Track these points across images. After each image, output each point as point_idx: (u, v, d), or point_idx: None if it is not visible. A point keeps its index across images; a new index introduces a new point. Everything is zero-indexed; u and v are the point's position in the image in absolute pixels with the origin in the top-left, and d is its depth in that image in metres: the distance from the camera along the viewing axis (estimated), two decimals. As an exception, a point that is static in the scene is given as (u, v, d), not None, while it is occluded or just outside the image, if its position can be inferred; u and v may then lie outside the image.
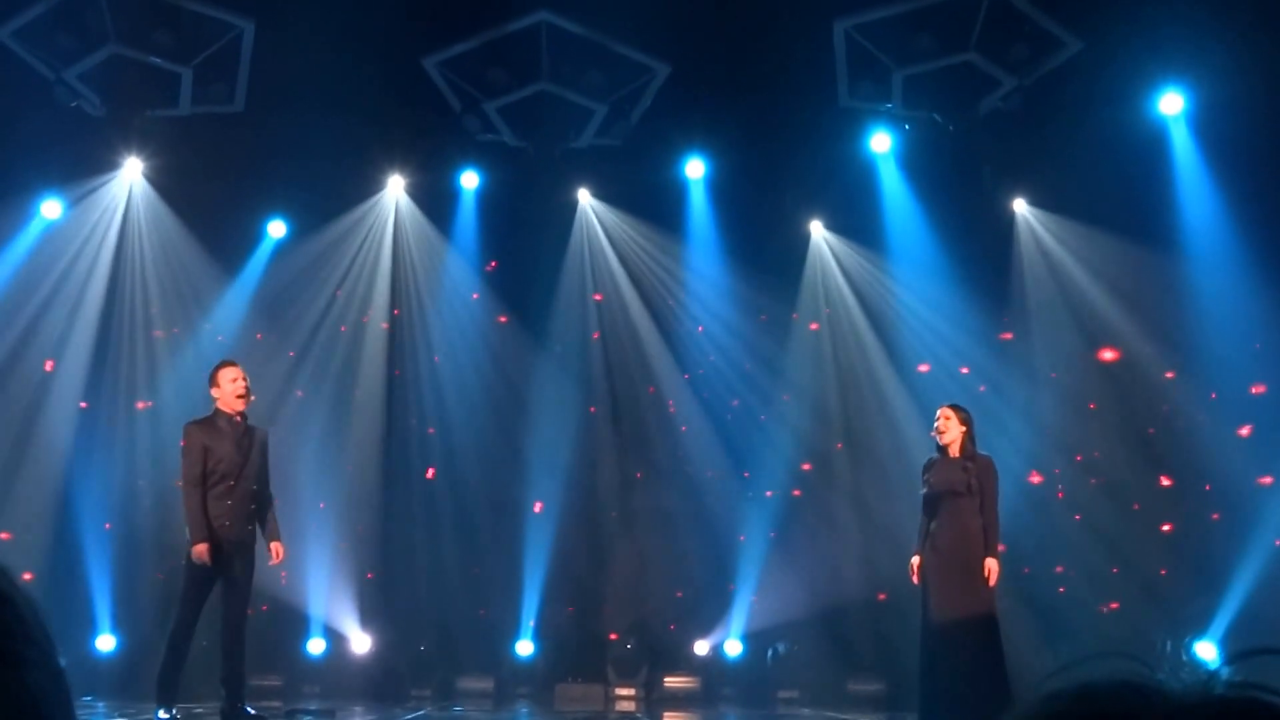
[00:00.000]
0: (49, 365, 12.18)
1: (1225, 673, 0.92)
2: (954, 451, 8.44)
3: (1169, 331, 11.93)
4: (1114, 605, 11.62)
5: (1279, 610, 10.39)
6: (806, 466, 12.68)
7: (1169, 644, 10.22)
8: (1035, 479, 12.03)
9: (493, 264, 12.88)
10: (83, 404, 12.20)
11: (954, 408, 8.59)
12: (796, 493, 12.60)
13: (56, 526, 11.81)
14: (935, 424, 8.56)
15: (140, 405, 12.29)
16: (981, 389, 11.89)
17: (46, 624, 0.99)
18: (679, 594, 12.69)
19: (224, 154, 11.79)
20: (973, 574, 8.21)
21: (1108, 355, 12.21)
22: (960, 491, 8.29)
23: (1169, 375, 11.95)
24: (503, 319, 12.93)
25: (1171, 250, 11.74)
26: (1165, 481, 12.03)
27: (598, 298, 12.99)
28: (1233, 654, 0.95)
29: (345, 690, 11.88)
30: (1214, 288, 11.51)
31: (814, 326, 12.90)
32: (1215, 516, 11.53)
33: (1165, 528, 11.86)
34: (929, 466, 8.54)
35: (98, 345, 12.28)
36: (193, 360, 11.82)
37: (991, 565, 8.24)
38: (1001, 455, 9.30)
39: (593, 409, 12.83)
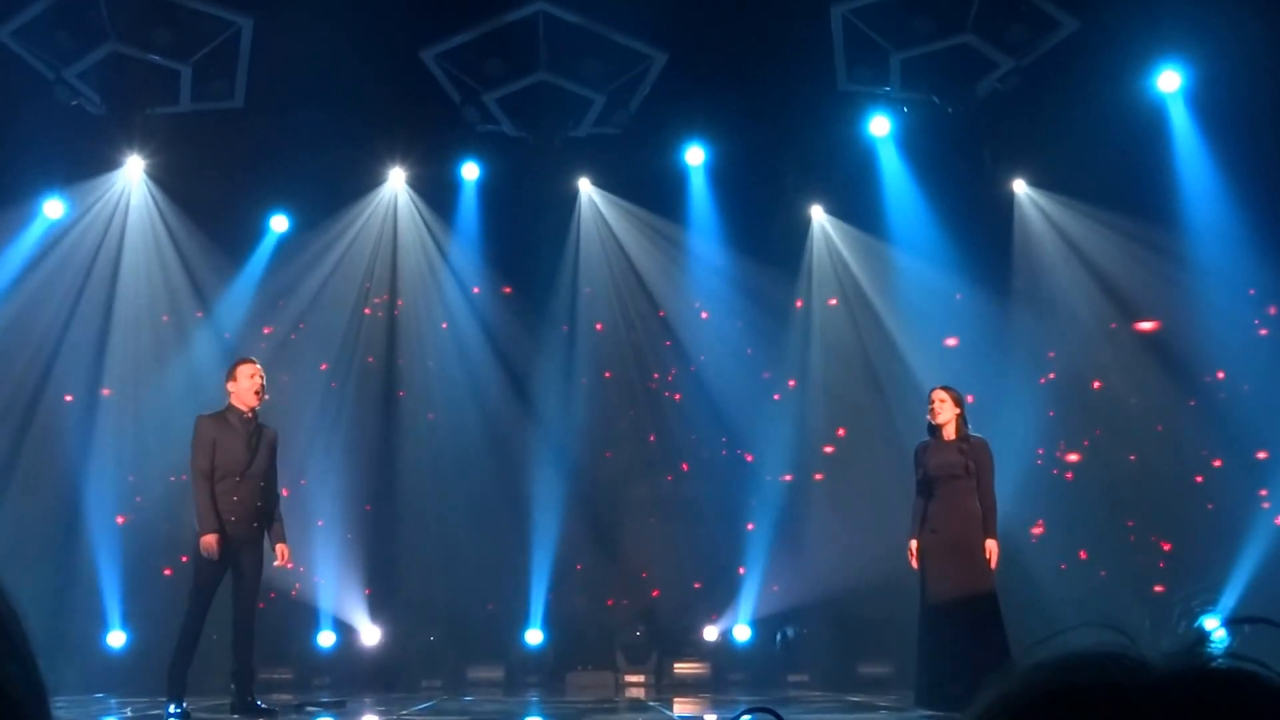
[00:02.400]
0: (68, 397, 12.23)
1: (1207, 644, 0.93)
2: (949, 434, 8.48)
3: (1169, 307, 11.96)
4: (1159, 588, 11.59)
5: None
6: (829, 450, 12.72)
7: (1147, 623, 10.20)
8: (1073, 456, 12.10)
9: (506, 289, 12.93)
10: (67, 397, 12.20)
11: (947, 389, 8.63)
12: (819, 476, 12.65)
13: (66, 523, 11.86)
14: (929, 405, 8.59)
15: (105, 392, 12.28)
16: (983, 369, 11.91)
17: (21, 617, 1.00)
18: (696, 584, 12.71)
19: (225, 150, 11.81)
20: (973, 554, 8.27)
21: (1145, 326, 12.21)
22: (958, 474, 8.34)
23: (1168, 352, 11.97)
24: (507, 289, 12.96)
25: (1171, 227, 11.76)
26: (1173, 456, 12.06)
27: (588, 289, 13.01)
28: (1215, 623, 0.97)
29: (355, 682, 11.92)
30: (1214, 263, 11.54)
31: (832, 302, 12.91)
32: (1254, 496, 11.54)
33: (1170, 506, 11.87)
34: (923, 450, 8.57)
35: (103, 342, 12.31)
36: (200, 355, 11.89)
37: (992, 547, 8.30)
38: (1002, 435, 9.33)
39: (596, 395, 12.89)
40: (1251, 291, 11.62)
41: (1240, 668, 0.91)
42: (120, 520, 12.01)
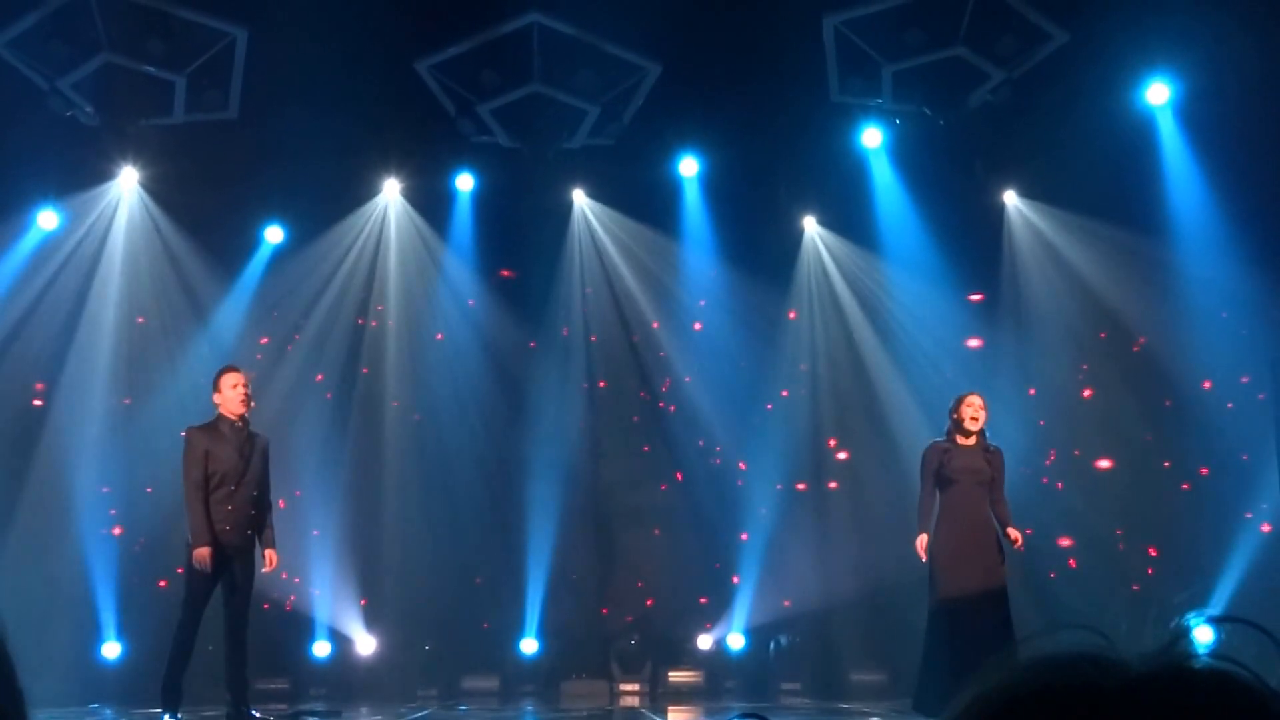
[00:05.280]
0: (37, 402, 12.19)
1: (1183, 644, 0.94)
2: (974, 440, 8.54)
3: (1157, 318, 12.00)
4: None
5: (1269, 595, 10.49)
6: (844, 455, 12.72)
7: (1124, 624, 10.32)
8: (1103, 463, 12.12)
9: (505, 272, 12.92)
10: (36, 402, 12.19)
11: (982, 397, 8.72)
12: (833, 484, 12.66)
13: (61, 535, 11.83)
14: (970, 409, 8.56)
15: (127, 400, 12.28)
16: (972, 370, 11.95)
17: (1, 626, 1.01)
18: (702, 599, 12.69)
19: (219, 161, 11.79)
20: (990, 555, 8.40)
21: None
22: (983, 481, 8.49)
23: (1159, 361, 12.00)
24: (505, 273, 12.95)
25: (1160, 238, 11.81)
26: (1162, 465, 12.09)
27: (587, 290, 13.01)
28: (1191, 623, 0.98)
29: (351, 692, 11.91)
30: (1202, 274, 11.59)
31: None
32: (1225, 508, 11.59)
33: (1156, 513, 11.92)
34: (944, 451, 8.56)
35: (99, 352, 12.29)
36: (196, 365, 11.87)
37: (1015, 534, 8.43)
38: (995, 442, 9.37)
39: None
40: None
41: (1216, 668, 0.93)
42: (117, 531, 11.99)
